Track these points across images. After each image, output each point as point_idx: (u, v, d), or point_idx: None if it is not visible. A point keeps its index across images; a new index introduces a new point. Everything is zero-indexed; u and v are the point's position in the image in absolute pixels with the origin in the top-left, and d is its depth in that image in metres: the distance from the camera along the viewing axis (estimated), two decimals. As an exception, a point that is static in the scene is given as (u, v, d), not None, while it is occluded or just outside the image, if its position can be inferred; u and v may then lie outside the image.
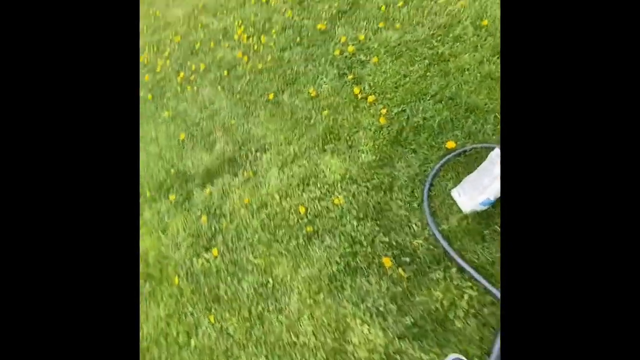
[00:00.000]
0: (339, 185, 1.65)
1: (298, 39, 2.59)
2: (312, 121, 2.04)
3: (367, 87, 2.03)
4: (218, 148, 2.26)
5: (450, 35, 2.02)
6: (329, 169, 1.75)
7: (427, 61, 1.96)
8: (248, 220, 1.75)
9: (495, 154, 1.14)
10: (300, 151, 1.92)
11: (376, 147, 1.73)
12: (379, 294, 1.28)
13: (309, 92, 2.20)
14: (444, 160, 1.48)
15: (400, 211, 1.45)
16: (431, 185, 1.43)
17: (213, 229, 1.82)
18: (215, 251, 1.71)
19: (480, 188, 1.19)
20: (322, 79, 2.24)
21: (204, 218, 1.89)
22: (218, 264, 1.65)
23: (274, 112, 2.25)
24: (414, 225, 1.39)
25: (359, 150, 1.77)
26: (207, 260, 1.70)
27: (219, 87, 2.68)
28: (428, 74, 1.91)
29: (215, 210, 1.90)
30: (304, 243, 1.53)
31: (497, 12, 1.96)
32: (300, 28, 2.66)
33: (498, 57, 1.78)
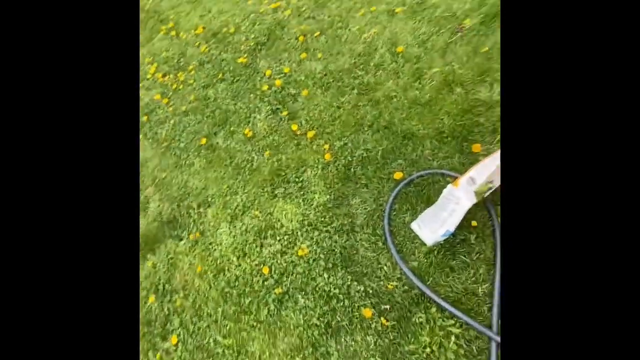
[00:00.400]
0: (299, 234, 1.54)
1: (220, 75, 2.38)
2: (254, 164, 1.89)
3: (304, 122, 1.95)
4: (153, 208, 1.96)
5: (371, 63, 2.05)
6: (285, 217, 1.64)
7: (355, 91, 1.96)
8: (206, 293, 1.51)
9: (448, 192, 1.18)
10: (249, 200, 1.77)
11: (328, 186, 1.67)
12: (368, 351, 1.17)
13: (244, 133, 2.04)
14: (395, 192, 1.49)
15: (367, 253, 1.35)
16: (390, 220, 1.43)
17: (166, 310, 1.55)
18: (174, 338, 1.40)
19: (439, 222, 1.17)
20: (255, 116, 2.09)
21: (151, 299, 1.61)
22: (181, 354, 1.37)
23: (210, 159, 2.03)
24: (384, 267, 1.31)
25: (311, 192, 1.68)
26: (167, 352, 1.41)
27: (140, 136, 2.35)
28: (360, 103, 1.91)
29: (163, 286, 1.62)
30: (276, 309, 1.33)
31: (409, 38, 2.07)
32: (220, 62, 2.46)
33: (419, 82, 1.88)
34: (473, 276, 1.21)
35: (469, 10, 1.92)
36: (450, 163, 1.46)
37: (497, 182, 1.17)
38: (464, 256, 1.22)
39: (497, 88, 1.59)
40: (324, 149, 1.77)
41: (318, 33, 2.26)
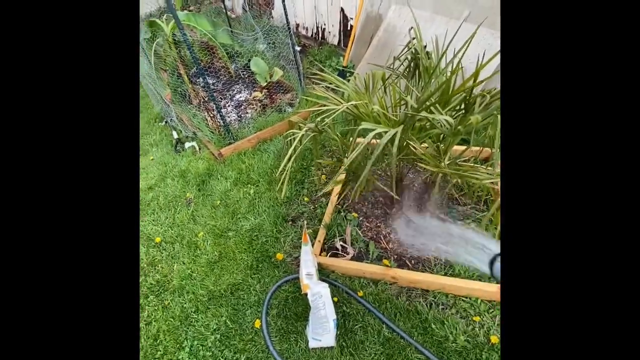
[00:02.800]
0: None
1: None
2: None
3: None
4: None
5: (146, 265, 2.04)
6: None
7: (151, 295, 1.88)
8: None
9: (310, 295, 1.41)
10: None
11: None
12: None
13: None
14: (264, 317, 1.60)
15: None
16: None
17: None
18: None
19: (325, 319, 1.39)
20: None
21: None
22: None
23: None
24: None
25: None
26: None
27: None
28: (165, 302, 1.84)
29: None
30: None
31: (156, 229, 2.24)
32: None
33: (198, 249, 2.09)
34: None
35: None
36: (278, 275, 1.81)
37: (314, 265, 1.60)
38: (360, 332, 1.54)
39: (242, 221, 2.14)
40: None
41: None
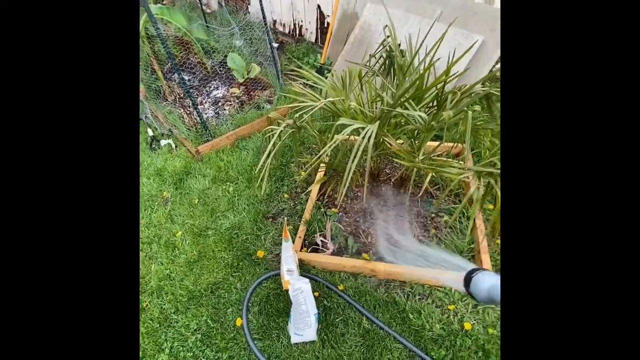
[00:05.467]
0: None
1: None
2: None
3: None
4: None
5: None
6: None
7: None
8: None
9: (291, 291, 1.39)
10: None
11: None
12: None
13: None
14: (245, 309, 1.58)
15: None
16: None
17: None
18: None
19: (306, 314, 1.40)
20: None
21: None
22: None
23: None
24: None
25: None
26: None
27: None
28: (144, 304, 1.78)
29: None
30: None
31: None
32: None
33: (176, 249, 2.03)
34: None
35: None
36: (259, 272, 1.79)
37: (294, 261, 1.60)
38: (341, 325, 1.54)
39: (222, 219, 2.11)
40: None
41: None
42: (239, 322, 1.59)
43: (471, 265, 0.90)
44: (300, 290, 1.44)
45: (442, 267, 1.08)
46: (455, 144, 2.06)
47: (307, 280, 1.48)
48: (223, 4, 3.82)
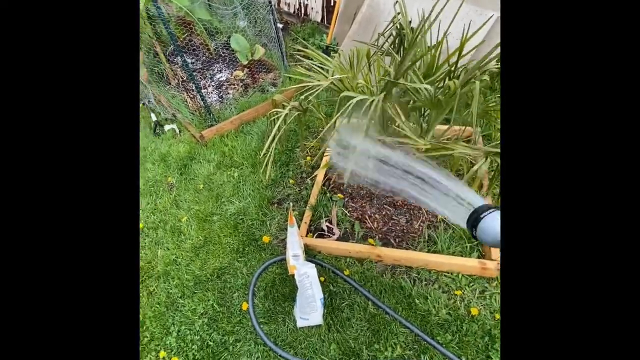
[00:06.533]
0: None
1: None
2: None
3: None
4: None
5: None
6: None
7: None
8: None
9: (297, 276, 1.38)
10: None
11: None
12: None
13: None
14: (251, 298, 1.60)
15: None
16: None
17: None
18: None
19: (312, 299, 1.40)
20: None
21: None
22: None
23: None
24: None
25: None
26: None
27: None
28: (151, 288, 1.80)
29: None
30: None
31: (141, 214, 2.15)
32: None
33: (182, 235, 2.04)
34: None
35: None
36: (264, 257, 1.79)
37: (300, 246, 1.58)
38: (347, 309, 1.52)
39: (227, 205, 2.09)
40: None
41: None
42: (245, 306, 1.59)
43: (478, 199, 0.79)
44: (306, 274, 1.43)
45: (442, 196, 0.93)
46: (465, 127, 1.98)
47: (313, 265, 1.46)
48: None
